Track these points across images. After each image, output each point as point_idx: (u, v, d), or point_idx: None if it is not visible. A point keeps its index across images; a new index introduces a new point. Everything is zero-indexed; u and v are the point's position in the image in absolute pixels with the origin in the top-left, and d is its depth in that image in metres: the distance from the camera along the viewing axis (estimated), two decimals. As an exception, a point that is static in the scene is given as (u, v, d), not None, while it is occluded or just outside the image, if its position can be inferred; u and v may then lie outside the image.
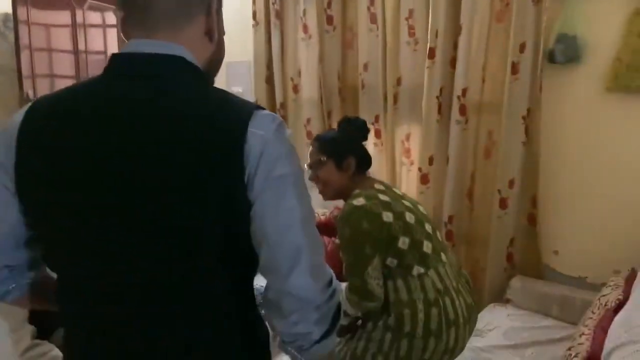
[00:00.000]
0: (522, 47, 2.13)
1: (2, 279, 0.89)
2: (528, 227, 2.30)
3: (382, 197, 1.47)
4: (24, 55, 3.12)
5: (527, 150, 2.22)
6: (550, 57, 2.12)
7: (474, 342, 1.98)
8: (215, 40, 0.85)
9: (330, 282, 0.85)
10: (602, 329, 1.46)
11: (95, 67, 3.69)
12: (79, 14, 3.47)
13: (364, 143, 1.64)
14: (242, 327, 0.85)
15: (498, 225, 2.30)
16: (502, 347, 1.97)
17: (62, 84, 3.48)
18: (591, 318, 1.74)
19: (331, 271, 0.86)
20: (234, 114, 0.77)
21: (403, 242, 1.44)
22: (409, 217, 1.48)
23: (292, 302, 0.80)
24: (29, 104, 0.82)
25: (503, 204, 2.27)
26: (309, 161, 1.60)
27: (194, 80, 0.80)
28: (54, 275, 0.89)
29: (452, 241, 2.44)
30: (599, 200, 2.16)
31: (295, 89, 2.90)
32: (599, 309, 1.75)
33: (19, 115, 0.80)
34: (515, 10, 2.11)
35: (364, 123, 1.64)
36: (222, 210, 0.75)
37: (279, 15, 2.88)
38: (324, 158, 1.56)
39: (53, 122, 0.79)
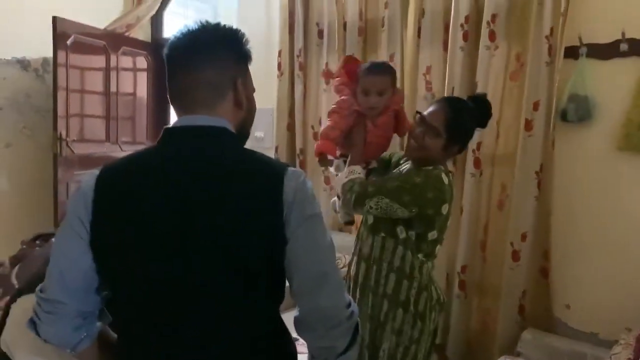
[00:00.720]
0: (535, 105, 2.22)
1: (76, 327, 1.02)
2: (540, 279, 2.33)
3: (452, 189, 1.64)
4: (60, 97, 3.30)
5: (540, 205, 2.27)
6: (563, 116, 2.19)
7: (485, 395, 1.99)
8: (244, 107, 1.05)
9: (350, 303, 1.02)
10: (613, 387, 1.48)
11: (124, 108, 3.88)
12: (113, 58, 3.67)
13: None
14: (275, 343, 1.06)
15: (510, 276, 2.33)
16: (513, 400, 1.97)
17: (91, 124, 3.66)
18: (603, 376, 1.76)
19: (349, 298, 1.04)
20: (272, 170, 0.98)
21: (432, 235, 1.64)
22: (449, 219, 1.67)
23: (320, 319, 0.99)
24: (97, 170, 1.01)
25: (515, 256, 2.31)
26: (428, 118, 1.64)
27: (233, 143, 1.01)
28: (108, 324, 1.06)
29: (465, 291, 2.47)
30: (611, 256, 2.18)
31: (315, 135, 3.01)
32: (610, 367, 1.76)
33: (90, 180, 0.99)
34: (529, 70, 2.21)
35: (489, 108, 1.71)
36: (267, 245, 0.95)
37: (302, 67, 3.02)
38: (442, 134, 1.62)
39: (122, 184, 0.97)
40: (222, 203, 0.94)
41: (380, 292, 1.67)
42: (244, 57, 1.05)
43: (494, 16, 2.29)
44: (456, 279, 2.46)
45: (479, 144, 2.37)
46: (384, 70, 1.74)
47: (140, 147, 3.69)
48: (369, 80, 1.70)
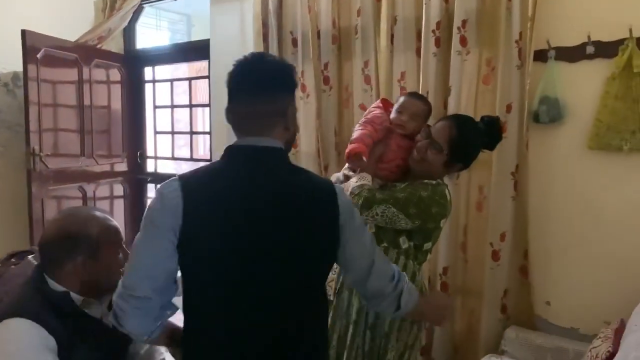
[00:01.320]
0: (508, 108, 2.27)
1: (156, 317, 1.18)
2: (520, 278, 2.38)
3: (451, 205, 1.72)
4: (32, 111, 3.24)
5: (517, 205, 2.32)
6: (535, 118, 2.25)
7: (472, 394, 2.02)
8: (291, 129, 1.26)
9: (393, 275, 1.30)
10: (594, 381, 1.51)
11: (98, 121, 3.82)
12: (85, 71, 3.62)
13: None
14: (322, 317, 1.32)
15: (491, 276, 2.37)
16: (500, 398, 2.00)
17: (65, 138, 3.59)
18: (584, 370, 1.80)
19: (395, 267, 1.33)
20: (327, 187, 1.24)
21: (427, 245, 1.73)
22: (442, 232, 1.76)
23: (372, 296, 1.30)
24: (176, 181, 1.16)
25: (495, 256, 2.35)
26: (433, 132, 1.70)
27: (287, 160, 1.24)
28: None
29: (447, 292, 2.50)
30: (587, 253, 2.24)
31: (294, 143, 3.01)
32: (590, 360, 1.80)
33: (174, 190, 1.14)
34: (501, 73, 2.27)
35: (500, 132, 1.76)
36: (329, 249, 1.22)
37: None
38: (445, 150, 1.66)
39: (207, 196, 1.14)
40: (290, 214, 1.16)
41: None
42: (294, 88, 1.25)
43: (464, 22, 2.34)
44: (438, 280, 2.49)
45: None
46: (424, 98, 1.90)
47: (116, 160, 3.64)
48: (408, 100, 1.83)
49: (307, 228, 1.18)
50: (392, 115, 1.82)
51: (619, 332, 1.84)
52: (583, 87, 2.18)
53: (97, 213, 1.44)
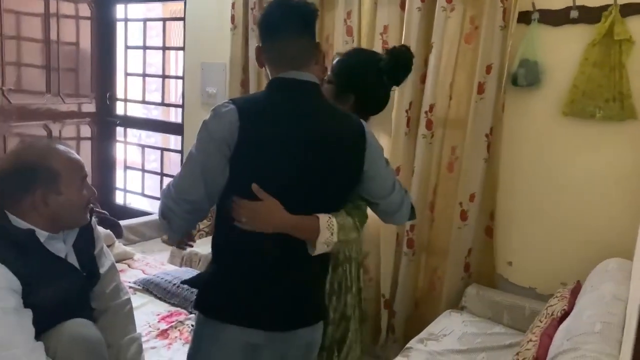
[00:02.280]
0: (488, 69, 2.26)
1: (199, 220, 1.35)
2: (485, 239, 2.43)
3: None
4: (-6, 43, 3.07)
5: (488, 167, 2.35)
6: (513, 80, 2.25)
7: (430, 346, 2.08)
8: (320, 65, 1.45)
9: (405, 191, 1.47)
10: (548, 336, 1.58)
11: (65, 59, 3.65)
12: (52, 3, 3.43)
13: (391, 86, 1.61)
14: None
15: (457, 236, 2.41)
16: (456, 351, 2.07)
17: (30, 74, 3.43)
18: (538, 326, 1.87)
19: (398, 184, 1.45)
20: (357, 120, 1.36)
21: None
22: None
23: (393, 209, 1.44)
24: (230, 104, 1.24)
25: (463, 216, 2.39)
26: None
27: (323, 96, 1.36)
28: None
29: (413, 249, 2.54)
30: (551, 217, 2.30)
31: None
32: (545, 317, 1.87)
33: (231, 111, 1.22)
34: (483, 33, 2.24)
35: (405, 63, 1.59)
36: (357, 173, 1.34)
37: (257, 20, 2.92)
38: (332, 80, 1.58)
39: (263, 118, 1.24)
40: (330, 138, 1.28)
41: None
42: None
43: (450, -23, 2.29)
44: (405, 237, 2.52)
45: (431, 106, 2.39)
46: None
47: (84, 100, 3.54)
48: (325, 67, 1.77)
49: (341, 157, 1.30)
50: None
51: (574, 292, 1.91)
52: (563, 52, 2.17)
53: (58, 145, 1.38)
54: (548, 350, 1.48)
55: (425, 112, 2.39)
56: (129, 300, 1.56)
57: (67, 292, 1.35)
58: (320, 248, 1.28)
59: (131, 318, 1.55)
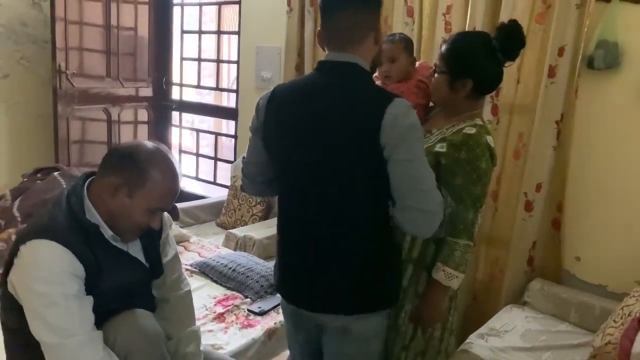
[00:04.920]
0: (560, 51, 2.11)
1: (268, 188, 1.51)
2: (552, 231, 2.30)
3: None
4: (59, 27, 3.15)
5: (557, 155, 2.21)
6: (589, 63, 2.09)
7: (491, 342, 1.99)
8: (380, 44, 1.36)
9: (437, 206, 1.32)
10: (629, 339, 1.47)
11: (124, 43, 3.72)
12: (113, -10, 3.49)
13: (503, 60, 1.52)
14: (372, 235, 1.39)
15: (522, 227, 2.29)
16: (519, 349, 1.97)
17: (91, 58, 3.52)
18: (613, 327, 1.75)
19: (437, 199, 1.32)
20: (378, 102, 1.24)
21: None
22: None
23: (410, 219, 1.32)
24: (274, 87, 1.39)
25: (528, 206, 2.27)
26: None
27: (362, 78, 1.31)
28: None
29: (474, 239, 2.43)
30: (625, 209, 2.14)
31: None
32: (621, 318, 1.75)
33: (265, 96, 1.38)
34: (557, 13, 2.09)
35: (519, 37, 1.51)
36: (373, 157, 1.25)
37: (313, 2, 2.87)
38: (443, 68, 1.52)
39: (282, 100, 1.34)
40: (332, 127, 1.26)
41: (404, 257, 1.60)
42: (381, 4, 1.35)
43: (523, -48, 2.14)
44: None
45: (497, 91, 2.27)
46: (396, 37, 1.72)
47: (141, 85, 3.61)
48: (382, 48, 1.66)
49: (345, 137, 1.25)
50: (378, 72, 1.70)
51: (655, 292, 1.78)
52: (647, 32, 2.00)
53: (175, 167, 1.32)
54: (630, 355, 1.37)
55: (491, 97, 2.28)
56: (189, 292, 1.54)
57: (129, 283, 1.34)
58: (456, 283, 1.48)
59: (191, 310, 1.54)
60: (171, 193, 1.31)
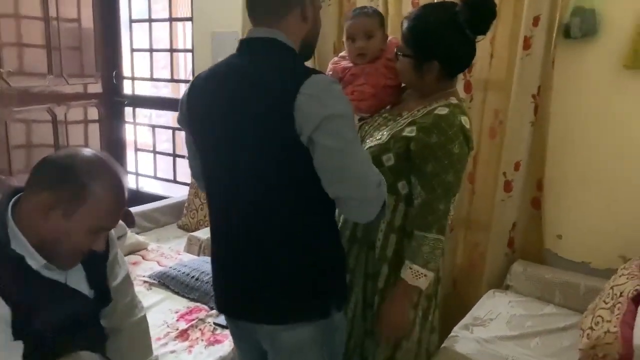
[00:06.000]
0: (535, 21, 2.00)
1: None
2: (532, 211, 2.22)
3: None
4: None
5: (535, 131, 2.12)
6: (565, 32, 1.99)
7: (477, 333, 1.89)
8: (309, 21, 1.18)
9: (371, 190, 1.16)
10: (628, 325, 1.37)
11: (68, 37, 3.44)
12: (49, -23, 3.20)
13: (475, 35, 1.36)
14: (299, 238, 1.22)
15: (501, 209, 2.20)
16: (506, 337, 1.88)
17: (30, 54, 3.23)
18: (604, 308, 1.66)
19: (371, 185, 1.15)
20: (292, 79, 1.08)
21: None
22: None
23: (343, 208, 1.19)
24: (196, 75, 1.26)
25: (507, 187, 2.17)
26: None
27: (275, 54, 1.14)
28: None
29: (451, 225, 2.32)
30: (607, 184, 2.07)
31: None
32: (612, 299, 1.67)
33: (187, 87, 1.26)
34: (529, -21, 1.98)
35: (487, 6, 1.35)
36: (280, 151, 1.11)
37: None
38: (406, 50, 1.38)
39: (199, 89, 1.22)
40: (240, 113, 1.11)
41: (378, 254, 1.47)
42: None
43: None
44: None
45: (470, 67, 2.14)
46: (370, 10, 1.57)
47: (89, 81, 3.32)
48: (354, 22, 1.53)
49: (257, 120, 1.11)
50: (346, 48, 1.57)
51: (646, 269, 1.70)
52: (624, -3, 1.91)
53: (124, 181, 1.11)
54: (632, 343, 1.27)
55: (463, 74, 2.15)
56: (144, 318, 1.35)
57: (70, 318, 1.13)
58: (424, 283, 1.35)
59: (147, 338, 1.36)
60: (116, 209, 1.10)
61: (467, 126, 1.37)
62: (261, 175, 1.14)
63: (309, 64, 2.58)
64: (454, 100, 1.40)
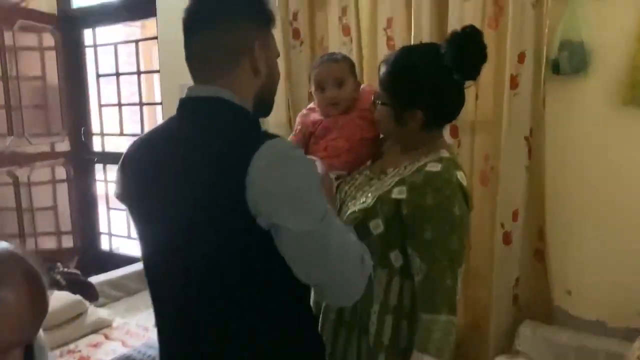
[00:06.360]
0: (521, 57, 1.84)
1: None
2: (535, 264, 1.99)
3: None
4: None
5: (531, 176, 1.92)
6: (555, 68, 1.83)
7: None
8: (262, 75, 1.01)
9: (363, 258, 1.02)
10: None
11: (31, 95, 3.25)
12: (7, 35, 3.03)
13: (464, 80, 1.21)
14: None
15: (501, 263, 1.97)
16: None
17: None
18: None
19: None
20: (241, 149, 0.88)
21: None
22: None
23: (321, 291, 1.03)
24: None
25: (507, 238, 1.95)
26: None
27: (224, 117, 0.96)
28: None
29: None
30: (616, 230, 1.86)
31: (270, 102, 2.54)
32: (640, 369, 1.43)
33: (123, 154, 1.09)
34: (512, 15, 1.82)
35: (476, 47, 1.19)
36: (229, 239, 0.92)
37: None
38: (385, 98, 1.22)
39: (132, 159, 1.05)
40: (178, 192, 0.93)
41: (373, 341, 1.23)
42: (264, 18, 1.01)
43: (464, -50, 1.88)
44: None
45: (454, 109, 1.97)
46: (339, 57, 1.44)
47: (56, 139, 3.12)
48: (322, 70, 1.38)
49: (200, 210, 0.91)
50: (316, 99, 1.42)
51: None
52: (615, 26, 1.75)
53: (39, 280, 0.85)
54: None
55: (448, 117, 1.97)
56: None
57: None
58: None
59: None
60: (33, 319, 0.85)
61: (465, 183, 1.19)
62: (208, 267, 0.94)
63: (282, 118, 2.45)
64: (445, 154, 1.22)
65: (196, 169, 0.92)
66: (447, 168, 1.16)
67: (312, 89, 1.41)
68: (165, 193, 0.96)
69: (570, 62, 1.80)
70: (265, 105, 1.07)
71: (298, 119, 1.46)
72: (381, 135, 1.39)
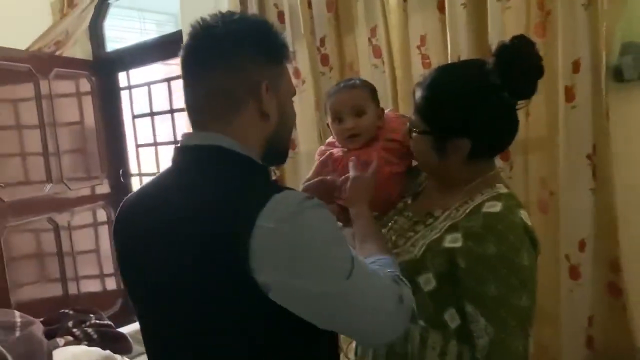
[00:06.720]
0: (575, 66, 1.63)
1: None
2: (610, 300, 1.73)
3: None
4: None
5: (598, 200, 1.68)
6: (616, 74, 1.61)
7: None
8: (272, 119, 0.90)
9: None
10: None
11: (69, 140, 3.27)
12: (43, 83, 3.07)
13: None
14: None
15: (570, 301, 1.73)
16: None
17: (26, 163, 3.06)
18: None
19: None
20: (245, 207, 0.76)
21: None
22: None
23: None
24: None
25: (574, 273, 1.71)
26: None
27: (226, 168, 0.85)
28: None
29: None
30: None
31: (292, 143, 2.41)
32: None
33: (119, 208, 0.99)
34: (561, 19, 1.62)
35: (530, 59, 1.01)
36: (241, 283, 0.79)
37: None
38: (422, 125, 1.07)
39: (125, 218, 0.95)
40: (172, 256, 0.82)
41: None
42: (274, 54, 0.90)
43: (502, -46, 1.71)
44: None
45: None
46: (357, 82, 1.30)
47: (96, 183, 3.12)
48: (338, 98, 1.24)
49: (198, 276, 0.79)
50: (333, 132, 1.28)
51: None
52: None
53: None
54: None
55: (496, 138, 1.77)
56: None
57: None
58: None
59: None
60: None
61: (529, 223, 1.00)
62: (208, 340, 0.83)
63: (314, 151, 2.30)
64: (502, 189, 1.04)
65: (190, 230, 0.80)
66: (509, 207, 0.98)
67: (329, 120, 1.27)
68: (156, 257, 0.85)
69: (634, 66, 1.58)
70: (278, 153, 0.96)
71: (316, 157, 1.31)
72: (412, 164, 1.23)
